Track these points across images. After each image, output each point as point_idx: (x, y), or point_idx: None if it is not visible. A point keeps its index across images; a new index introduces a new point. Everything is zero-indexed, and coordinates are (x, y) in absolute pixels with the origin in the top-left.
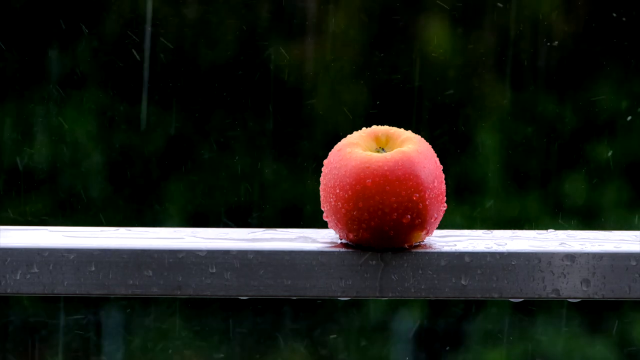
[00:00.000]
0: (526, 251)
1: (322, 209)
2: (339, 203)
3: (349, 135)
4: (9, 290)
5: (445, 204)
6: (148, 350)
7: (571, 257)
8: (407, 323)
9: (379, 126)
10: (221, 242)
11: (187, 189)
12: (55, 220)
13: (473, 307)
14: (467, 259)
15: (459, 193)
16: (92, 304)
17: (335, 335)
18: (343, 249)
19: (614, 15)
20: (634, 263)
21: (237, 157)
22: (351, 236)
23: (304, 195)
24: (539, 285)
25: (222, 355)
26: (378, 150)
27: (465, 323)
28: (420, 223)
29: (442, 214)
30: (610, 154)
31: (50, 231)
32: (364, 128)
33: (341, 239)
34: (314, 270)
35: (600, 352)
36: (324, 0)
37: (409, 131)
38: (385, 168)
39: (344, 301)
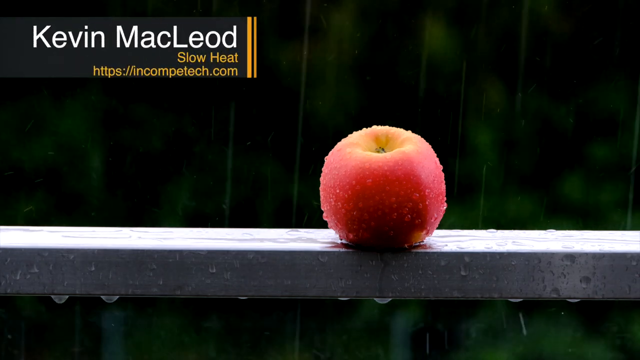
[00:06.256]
0: (526, 251)
1: (322, 209)
2: (339, 203)
3: (349, 135)
4: (9, 290)
5: (445, 204)
6: (147, 350)
7: (571, 257)
8: (407, 323)
9: (379, 126)
10: (221, 242)
11: (187, 189)
12: (54, 220)
13: (473, 307)
14: (467, 259)
15: (459, 193)
16: (91, 304)
17: (334, 336)
18: (343, 249)
19: (613, 15)
20: (634, 263)
21: (236, 157)
22: (351, 236)
23: (304, 196)
24: (538, 285)
25: (221, 356)
26: (378, 150)
27: (465, 323)
28: (420, 223)
29: (442, 214)
30: (609, 154)
31: (50, 231)
32: (364, 128)
33: (341, 239)
34: (314, 270)
35: (600, 352)
36: (324, 0)
37: (409, 131)
38: (385, 168)
39: (344, 301)
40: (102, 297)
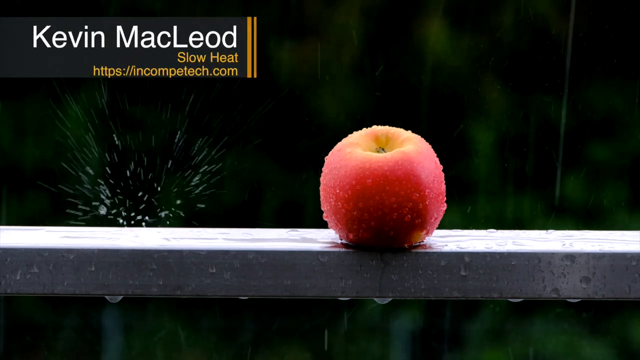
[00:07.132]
0: (526, 251)
1: (322, 209)
2: (339, 203)
3: (349, 135)
4: (9, 290)
5: (445, 204)
6: (147, 350)
7: (571, 257)
8: (407, 323)
9: (379, 126)
10: (221, 242)
11: (187, 188)
12: (54, 220)
13: (473, 307)
14: (467, 259)
15: (459, 193)
16: (91, 304)
17: (334, 336)
18: (343, 249)
19: (613, 14)
20: (634, 263)
21: (236, 157)
22: (351, 236)
23: (304, 195)
24: (539, 285)
25: (220, 356)
26: (378, 150)
27: (465, 323)
28: (420, 223)
29: (442, 214)
30: (609, 154)
31: (50, 231)
32: (364, 128)
33: (341, 239)
34: (314, 270)
35: (600, 352)
36: (324, 1)
37: (409, 131)
38: (385, 168)
39: (344, 301)
40: (106, 297)
